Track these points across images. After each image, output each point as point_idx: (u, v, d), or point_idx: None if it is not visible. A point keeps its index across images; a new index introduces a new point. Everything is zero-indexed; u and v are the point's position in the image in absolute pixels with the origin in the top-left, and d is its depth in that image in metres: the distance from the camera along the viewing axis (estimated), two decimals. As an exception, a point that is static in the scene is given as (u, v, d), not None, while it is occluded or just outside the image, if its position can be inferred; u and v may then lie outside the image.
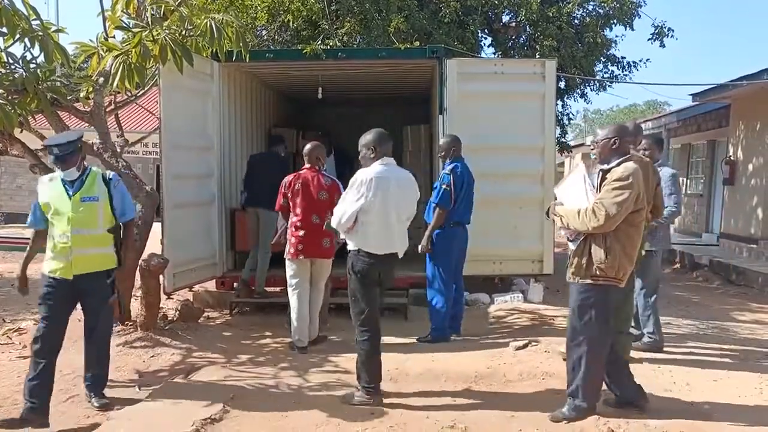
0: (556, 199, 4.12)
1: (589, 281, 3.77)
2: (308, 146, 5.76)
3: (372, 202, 4.19)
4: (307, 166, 5.69)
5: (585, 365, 3.83)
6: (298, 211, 5.51)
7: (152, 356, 5.32)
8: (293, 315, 5.51)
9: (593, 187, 3.85)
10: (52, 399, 4.24)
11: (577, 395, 3.88)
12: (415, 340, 5.87)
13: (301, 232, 5.46)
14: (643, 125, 16.55)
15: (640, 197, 3.69)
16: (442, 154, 5.96)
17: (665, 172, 5.49)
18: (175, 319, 6.30)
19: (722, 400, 4.26)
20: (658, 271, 5.69)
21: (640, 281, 5.32)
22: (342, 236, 4.50)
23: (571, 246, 3.93)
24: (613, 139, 3.82)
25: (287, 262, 5.60)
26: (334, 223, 4.36)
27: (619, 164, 3.75)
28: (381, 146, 4.41)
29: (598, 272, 3.72)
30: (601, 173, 3.82)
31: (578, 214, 3.73)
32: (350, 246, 4.35)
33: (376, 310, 4.36)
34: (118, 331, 5.76)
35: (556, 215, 3.92)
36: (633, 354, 5.15)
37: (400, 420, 3.93)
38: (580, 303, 3.85)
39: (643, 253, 5.12)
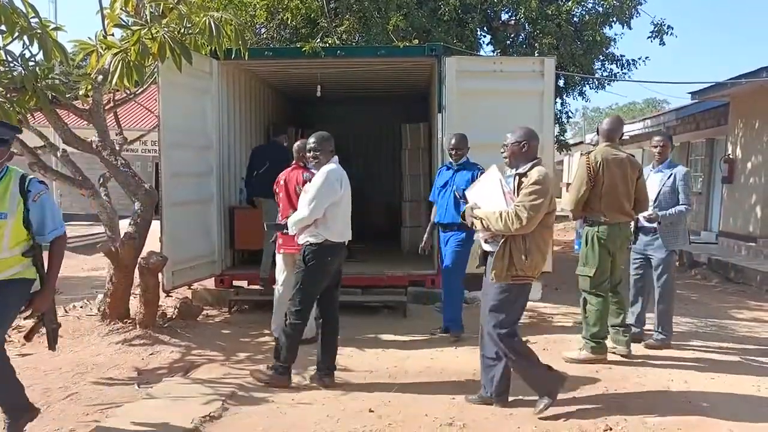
0: (467, 202, 4.23)
1: (510, 281, 3.90)
2: (297, 144, 5.79)
3: (342, 195, 4.52)
4: (294, 164, 5.74)
5: (517, 363, 4.02)
6: (280, 206, 5.62)
7: (151, 354, 5.32)
8: (275, 306, 5.64)
9: (510, 190, 3.94)
10: (50, 397, 4.26)
11: (541, 394, 4.00)
12: (414, 338, 5.87)
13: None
14: (642, 123, 16.61)
15: (552, 200, 3.88)
16: (462, 151, 5.85)
17: (679, 171, 5.54)
18: (174, 317, 6.31)
19: (720, 397, 4.27)
20: (674, 269, 5.78)
21: (657, 281, 5.49)
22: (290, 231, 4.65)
23: (487, 247, 4.06)
24: (522, 143, 3.95)
25: (276, 257, 5.75)
26: (299, 215, 4.50)
27: (532, 168, 3.89)
28: (331, 145, 4.72)
29: (519, 272, 3.87)
30: (517, 177, 3.94)
31: (500, 216, 3.83)
32: (311, 239, 4.49)
33: (313, 301, 4.58)
34: (117, 329, 5.77)
35: (474, 218, 4.02)
36: (633, 351, 5.19)
37: (399, 417, 3.94)
38: (499, 301, 3.97)
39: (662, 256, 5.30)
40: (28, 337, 3.76)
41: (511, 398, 4.17)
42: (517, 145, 3.96)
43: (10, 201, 3.30)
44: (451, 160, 5.93)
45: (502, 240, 3.88)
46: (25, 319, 3.54)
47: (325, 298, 4.62)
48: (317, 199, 4.43)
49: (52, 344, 3.68)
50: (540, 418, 3.91)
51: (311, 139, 4.71)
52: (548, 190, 3.82)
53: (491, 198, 3.98)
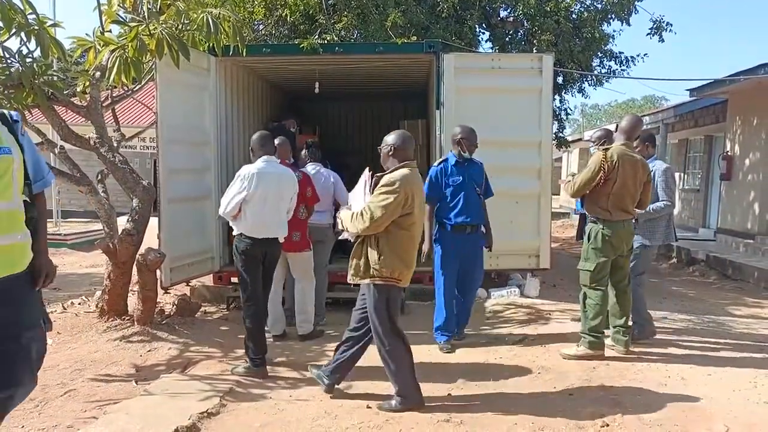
0: (349, 203, 4.31)
1: (368, 281, 3.97)
2: (276, 140, 5.77)
3: (253, 194, 4.75)
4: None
5: (390, 362, 4.05)
6: None
7: (149, 351, 5.33)
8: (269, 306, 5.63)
9: (371, 191, 4.01)
10: (48, 393, 4.26)
11: (397, 393, 4.06)
12: (412, 334, 5.87)
13: None
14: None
15: (408, 202, 3.86)
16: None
17: (658, 166, 5.55)
18: (172, 313, 6.31)
19: (717, 394, 4.28)
20: (647, 263, 5.77)
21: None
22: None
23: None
24: (389, 148, 4.03)
25: None
26: (220, 212, 4.91)
27: (395, 171, 3.95)
28: (263, 147, 4.98)
29: (374, 272, 3.92)
30: (376, 178, 4.01)
31: (352, 216, 3.95)
32: (235, 231, 4.89)
33: (258, 286, 4.85)
34: (116, 326, 5.78)
35: (339, 219, 4.14)
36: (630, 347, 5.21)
37: (396, 413, 3.95)
38: (372, 301, 4.00)
39: (634, 246, 5.25)
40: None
41: (511, 391, 4.17)
42: (385, 150, 4.06)
43: (5, 135, 2.59)
44: (455, 153, 5.51)
45: (359, 240, 4.00)
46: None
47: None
48: (226, 196, 4.86)
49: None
50: (378, 408, 4.01)
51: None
52: (401, 191, 3.81)
53: (356, 199, 4.13)
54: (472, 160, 5.54)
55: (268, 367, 4.82)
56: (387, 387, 4.44)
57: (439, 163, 5.58)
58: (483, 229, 5.60)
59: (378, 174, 4.01)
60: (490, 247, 5.67)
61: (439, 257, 5.52)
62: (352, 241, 4.10)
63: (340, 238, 4.48)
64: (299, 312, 5.74)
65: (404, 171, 3.92)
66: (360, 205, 3.99)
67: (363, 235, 3.95)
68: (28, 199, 2.66)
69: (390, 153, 4.02)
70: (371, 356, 5.21)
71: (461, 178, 5.44)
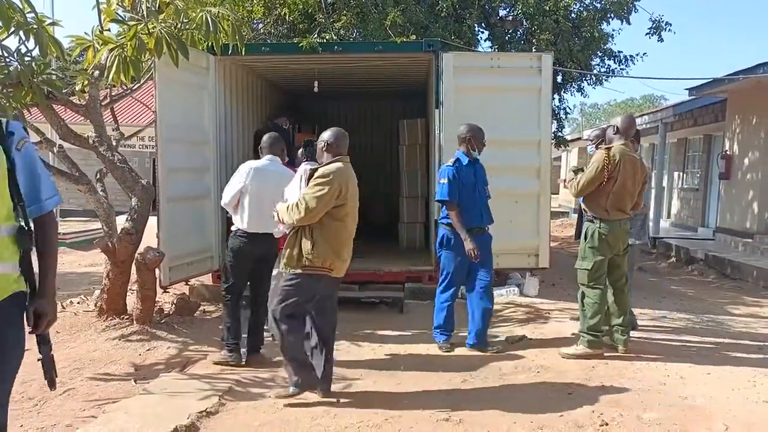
0: (284, 197, 4.43)
1: (299, 270, 4.05)
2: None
3: (248, 186, 4.87)
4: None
5: (282, 348, 4.18)
6: None
7: (148, 350, 5.32)
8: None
9: (306, 184, 4.13)
10: (47, 393, 4.24)
11: (291, 382, 4.17)
12: (411, 333, 5.88)
13: None
14: (639, 119, 16.61)
15: (341, 194, 3.98)
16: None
17: None
18: (171, 312, 6.31)
19: (716, 393, 4.28)
20: (631, 261, 5.75)
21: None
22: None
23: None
24: (323, 144, 4.19)
25: None
26: (222, 202, 5.08)
27: (330, 164, 4.09)
28: (270, 147, 5.12)
29: (307, 262, 4.03)
30: (309, 172, 4.14)
31: (287, 208, 4.07)
32: (233, 226, 5.04)
33: (240, 282, 5.06)
34: (114, 325, 5.77)
35: (274, 212, 4.24)
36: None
37: (395, 412, 3.94)
38: (288, 287, 4.09)
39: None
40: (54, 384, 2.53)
41: (510, 390, 4.17)
42: (319, 146, 4.25)
43: None
44: (463, 152, 5.38)
45: (294, 231, 4.11)
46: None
47: (252, 284, 5.12)
48: (227, 187, 5.03)
49: (51, 378, 2.50)
50: (285, 404, 4.07)
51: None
52: (334, 182, 3.95)
53: (292, 192, 4.36)
54: (477, 160, 5.45)
55: (267, 367, 4.83)
56: (387, 387, 4.45)
57: (454, 163, 5.35)
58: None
59: (312, 168, 4.18)
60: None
61: (448, 259, 5.38)
62: (288, 233, 4.21)
63: (276, 235, 4.61)
64: None
65: (338, 164, 4.07)
66: (296, 197, 4.14)
67: (297, 226, 4.05)
68: (22, 225, 2.29)
69: (324, 148, 4.19)
70: (371, 356, 5.23)
71: (473, 178, 5.34)
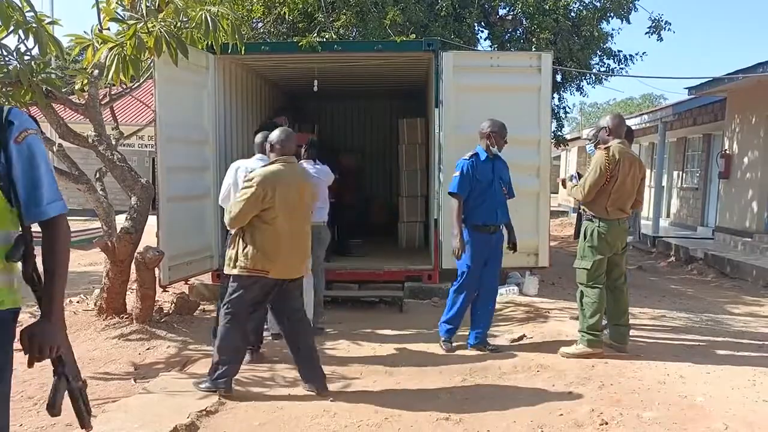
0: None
1: (236, 271, 4.16)
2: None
3: (236, 186, 4.82)
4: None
5: (221, 346, 4.22)
6: None
7: (148, 349, 5.32)
8: None
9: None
10: (46, 392, 4.23)
11: (211, 374, 4.21)
12: (410, 332, 5.88)
13: None
14: (639, 119, 16.64)
15: (267, 197, 4.04)
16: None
17: None
18: (170, 311, 6.31)
19: (716, 392, 4.28)
20: None
21: None
22: None
23: None
24: (269, 143, 4.34)
25: None
26: (219, 201, 5.11)
27: (264, 166, 4.26)
28: (260, 146, 5.08)
29: (240, 264, 4.13)
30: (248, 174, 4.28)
31: (228, 211, 4.22)
32: None
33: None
34: (114, 324, 5.77)
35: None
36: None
37: (395, 411, 3.94)
38: (232, 288, 4.22)
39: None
40: (54, 408, 2.13)
41: (509, 390, 4.17)
42: (266, 146, 4.40)
43: None
44: (486, 148, 5.24)
45: (234, 233, 4.22)
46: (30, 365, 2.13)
47: None
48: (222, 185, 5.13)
49: (84, 419, 2.27)
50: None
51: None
52: (258, 186, 4.02)
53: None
54: (498, 156, 5.30)
55: (266, 364, 4.84)
56: (387, 386, 4.45)
57: (470, 157, 5.21)
58: (504, 228, 5.42)
59: (250, 170, 4.36)
60: (515, 247, 5.46)
61: (467, 256, 5.20)
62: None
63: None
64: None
65: (271, 167, 4.18)
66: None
67: (236, 230, 4.18)
68: (20, 231, 1.98)
69: (269, 149, 4.34)
70: (370, 355, 5.23)
71: (490, 175, 5.21)
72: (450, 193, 5.29)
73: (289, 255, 4.21)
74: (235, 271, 4.16)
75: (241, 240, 4.14)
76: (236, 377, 4.57)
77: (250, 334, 4.99)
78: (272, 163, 4.24)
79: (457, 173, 5.19)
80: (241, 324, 4.24)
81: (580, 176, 5.46)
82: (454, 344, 5.39)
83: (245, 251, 4.11)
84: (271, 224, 4.10)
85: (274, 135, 4.31)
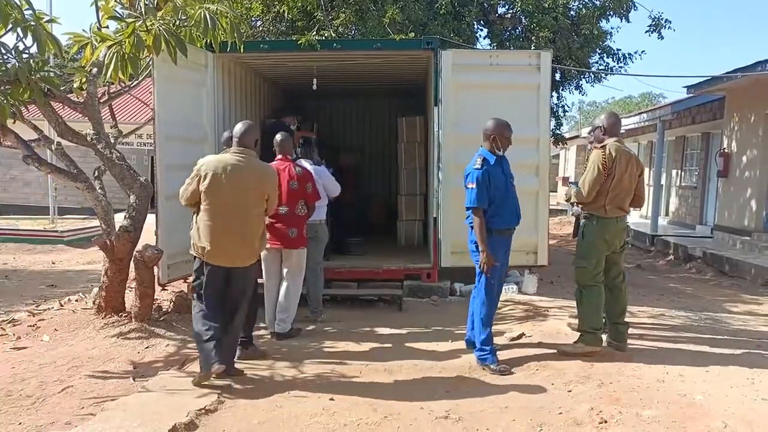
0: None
1: (191, 251, 4.50)
2: (278, 137, 5.83)
3: None
4: (279, 157, 5.76)
5: (194, 331, 4.43)
6: None
7: (147, 347, 5.32)
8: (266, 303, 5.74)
9: None
10: (45, 390, 4.25)
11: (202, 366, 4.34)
12: (409, 331, 5.88)
13: (268, 222, 5.53)
14: (638, 117, 16.65)
15: (201, 182, 4.32)
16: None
17: None
18: (169, 310, 6.30)
19: (714, 390, 4.28)
20: None
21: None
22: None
23: None
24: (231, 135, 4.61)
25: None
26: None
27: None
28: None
29: (192, 244, 4.46)
30: None
31: None
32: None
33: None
34: (113, 323, 5.76)
35: None
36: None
37: (394, 410, 3.95)
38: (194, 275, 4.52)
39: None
40: None
41: (509, 388, 4.17)
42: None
43: None
44: (491, 150, 4.96)
45: None
46: None
47: None
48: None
49: None
50: (195, 384, 4.26)
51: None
52: (196, 170, 4.37)
53: None
54: (504, 156, 5.07)
55: (265, 362, 4.86)
56: (386, 384, 4.45)
57: (482, 165, 4.85)
58: None
59: None
60: None
61: (495, 266, 4.88)
62: None
63: None
64: (281, 311, 5.64)
65: (218, 155, 4.54)
66: None
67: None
68: None
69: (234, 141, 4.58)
70: (369, 353, 5.23)
71: (503, 177, 4.96)
72: (471, 208, 4.84)
73: (226, 242, 4.35)
74: (191, 251, 4.50)
75: (193, 222, 4.47)
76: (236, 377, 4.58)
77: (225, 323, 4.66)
78: (225, 151, 4.54)
79: (473, 185, 4.79)
80: (199, 307, 4.41)
81: (576, 184, 5.44)
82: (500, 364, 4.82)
83: (191, 232, 4.46)
84: (206, 207, 4.35)
85: (236, 128, 4.58)
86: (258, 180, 4.47)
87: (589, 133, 5.80)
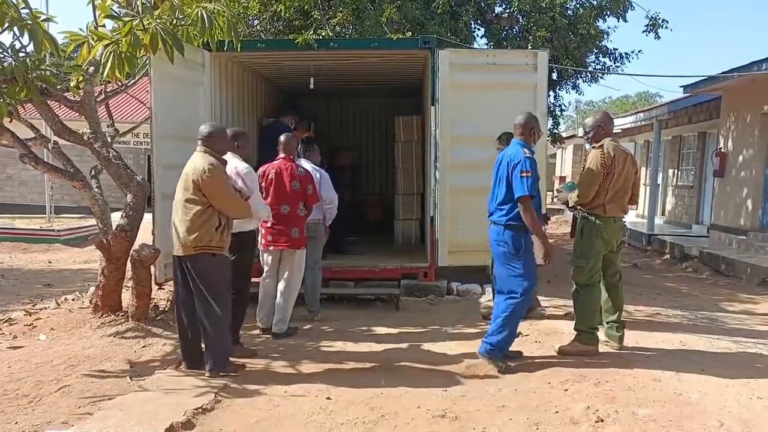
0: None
1: None
2: (282, 137, 5.88)
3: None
4: (282, 155, 5.78)
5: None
6: (269, 200, 5.57)
7: (143, 346, 5.31)
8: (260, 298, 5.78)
9: None
10: (42, 390, 4.25)
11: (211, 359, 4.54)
12: (406, 330, 5.88)
13: (269, 222, 5.54)
14: (634, 117, 16.67)
15: (187, 181, 4.46)
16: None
17: None
18: (166, 309, 6.29)
19: (710, 389, 4.29)
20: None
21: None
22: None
23: None
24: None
25: (260, 252, 5.77)
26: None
27: None
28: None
29: None
30: None
31: None
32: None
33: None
34: (110, 322, 5.76)
35: None
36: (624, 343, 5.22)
37: (392, 409, 3.95)
38: None
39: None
40: None
41: (505, 387, 4.18)
42: None
43: None
44: (527, 144, 4.80)
45: None
46: None
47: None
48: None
49: None
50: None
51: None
52: (184, 171, 4.55)
53: None
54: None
55: (262, 361, 4.85)
56: (383, 383, 4.45)
57: (531, 154, 4.73)
58: None
59: None
60: None
61: (529, 263, 4.77)
62: None
63: None
64: (278, 310, 5.68)
65: (197, 154, 4.61)
66: None
67: None
68: None
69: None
70: (367, 353, 5.23)
71: (537, 171, 4.85)
72: (523, 197, 4.59)
73: (177, 237, 4.56)
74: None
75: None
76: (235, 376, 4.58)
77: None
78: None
79: (527, 173, 4.60)
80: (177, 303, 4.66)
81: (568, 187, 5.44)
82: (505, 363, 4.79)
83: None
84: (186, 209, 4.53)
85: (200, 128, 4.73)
86: (188, 173, 4.52)
87: (584, 135, 5.77)
